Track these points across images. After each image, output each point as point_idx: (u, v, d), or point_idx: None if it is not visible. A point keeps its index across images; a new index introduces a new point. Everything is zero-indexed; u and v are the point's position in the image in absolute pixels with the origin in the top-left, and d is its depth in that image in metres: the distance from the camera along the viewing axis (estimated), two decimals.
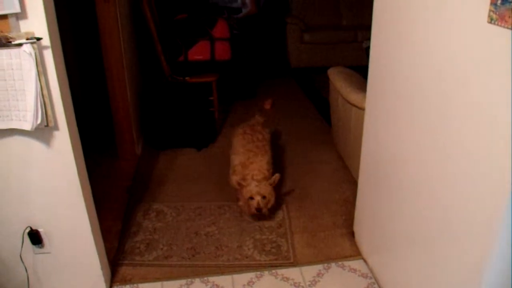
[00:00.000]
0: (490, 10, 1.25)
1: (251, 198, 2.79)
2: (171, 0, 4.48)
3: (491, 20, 1.26)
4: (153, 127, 4.01)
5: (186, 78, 3.98)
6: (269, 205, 2.85)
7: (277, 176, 2.86)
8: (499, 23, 1.22)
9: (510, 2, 1.17)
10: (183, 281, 2.45)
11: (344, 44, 6.21)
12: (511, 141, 1.25)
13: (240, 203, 2.97)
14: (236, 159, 3.10)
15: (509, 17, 1.18)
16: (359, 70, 3.40)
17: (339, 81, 3.27)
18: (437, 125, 1.67)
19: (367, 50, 2.33)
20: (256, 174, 2.90)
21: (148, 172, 3.59)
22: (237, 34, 4.52)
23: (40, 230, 2.15)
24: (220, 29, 4.12)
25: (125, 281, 2.46)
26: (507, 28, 1.19)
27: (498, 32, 1.24)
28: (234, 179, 2.93)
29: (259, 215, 2.85)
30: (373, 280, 2.42)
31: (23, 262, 2.18)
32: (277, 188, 2.98)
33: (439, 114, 1.65)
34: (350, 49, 6.13)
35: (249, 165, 2.98)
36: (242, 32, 5.05)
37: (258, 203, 2.76)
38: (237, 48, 4.38)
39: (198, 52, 4.09)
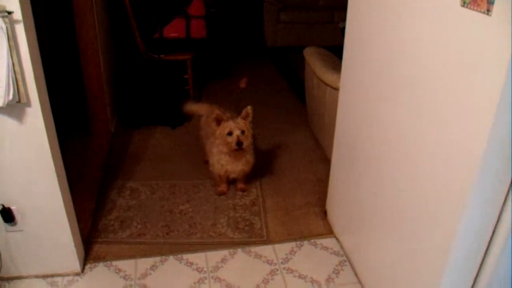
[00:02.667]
0: None
1: (230, 134, 2.77)
2: None
3: (464, 4, 1.28)
4: (127, 105, 3.97)
5: (161, 55, 3.95)
6: (247, 142, 2.81)
7: (249, 108, 2.82)
8: (472, 7, 1.25)
9: None
10: (157, 259, 2.47)
11: (321, 24, 6.20)
12: (484, 120, 1.29)
13: (211, 163, 2.96)
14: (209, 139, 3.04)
15: (482, 1, 1.20)
16: (335, 50, 3.40)
17: (314, 61, 3.28)
18: (409, 105, 1.71)
19: (343, 30, 2.34)
20: (233, 115, 2.87)
21: (122, 150, 3.57)
22: (213, 12, 4.47)
23: (12, 207, 2.13)
24: (196, 7, 4.08)
25: (99, 259, 2.47)
26: (479, 11, 1.22)
27: (471, 15, 1.27)
28: (216, 112, 2.83)
29: (240, 150, 2.80)
30: (344, 258, 2.48)
31: None
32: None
33: (411, 94, 1.69)
34: (326, 29, 6.13)
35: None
36: (218, 10, 5.00)
37: (237, 137, 2.74)
38: (213, 27, 4.35)
39: (174, 30, 4.05)
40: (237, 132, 2.75)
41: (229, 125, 2.76)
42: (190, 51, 4.10)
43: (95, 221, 2.73)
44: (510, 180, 1.40)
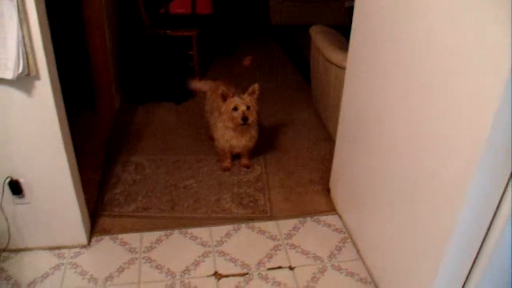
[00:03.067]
0: None
1: (235, 109, 2.79)
2: None
3: None
4: (132, 80, 3.98)
5: (167, 31, 3.93)
6: (253, 118, 2.84)
7: (256, 85, 2.85)
8: None
9: None
10: (162, 232, 2.51)
11: (326, 3, 6.15)
12: (487, 102, 1.31)
13: (215, 138, 2.99)
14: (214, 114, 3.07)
15: None
16: (340, 30, 3.41)
17: (320, 40, 3.28)
18: (416, 86, 1.72)
19: (349, 10, 2.34)
20: (238, 92, 2.89)
21: (127, 125, 3.59)
22: None
23: (20, 180, 2.16)
24: None
25: (104, 232, 2.51)
26: None
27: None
28: (221, 88, 2.86)
29: (245, 125, 2.83)
30: (346, 235, 2.51)
31: (3, 212, 2.20)
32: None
33: (419, 76, 1.70)
34: (332, 9, 6.08)
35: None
36: None
37: (243, 112, 2.77)
38: (218, 3, 4.33)
39: (179, 5, 4.04)
40: (242, 108, 2.77)
41: (234, 100, 2.78)
42: (196, 27, 4.09)
43: (101, 195, 2.76)
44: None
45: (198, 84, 3.36)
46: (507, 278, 1.71)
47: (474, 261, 1.66)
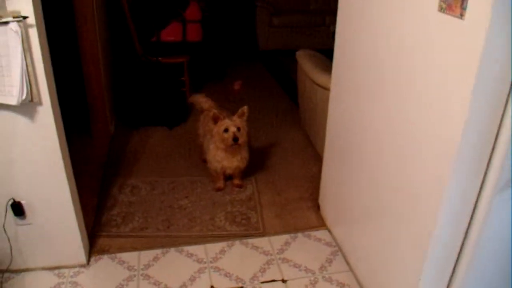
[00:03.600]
0: (440, 1, 1.43)
1: (226, 130, 2.91)
2: None
3: (441, 9, 1.44)
4: (126, 106, 4.10)
5: (159, 58, 4.08)
6: (243, 138, 2.96)
7: (245, 107, 2.98)
8: (447, 12, 1.40)
9: None
10: (159, 251, 2.59)
11: (312, 28, 6.36)
12: (458, 119, 1.44)
13: (208, 159, 3.12)
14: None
15: (456, 6, 1.36)
16: (326, 53, 3.56)
17: (306, 63, 3.43)
18: (394, 103, 1.86)
19: (333, 34, 2.49)
20: (229, 115, 3.02)
21: (122, 149, 3.69)
22: (207, 16, 4.62)
23: (22, 202, 2.25)
24: (192, 11, 4.23)
25: (103, 251, 2.59)
26: (454, 15, 1.37)
27: (447, 19, 1.42)
28: (213, 111, 3.00)
29: (236, 145, 2.94)
30: (336, 248, 2.62)
31: (6, 233, 2.28)
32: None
33: (396, 93, 1.84)
34: (318, 33, 6.28)
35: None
36: (212, 14, 5.15)
37: (234, 133, 2.90)
38: (208, 30, 4.50)
39: (171, 33, 4.20)
40: (233, 129, 2.89)
41: (225, 122, 2.91)
42: (186, 54, 4.24)
43: (98, 216, 2.85)
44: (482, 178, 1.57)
45: (200, 99, 3.46)
46: (488, 276, 1.83)
47: (455, 264, 1.78)
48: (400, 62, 1.78)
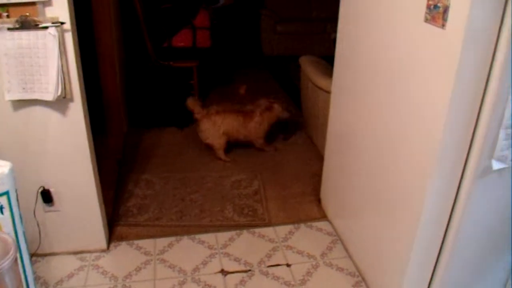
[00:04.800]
0: (425, 13, 1.67)
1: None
2: None
3: (426, 20, 1.67)
4: (139, 108, 4.34)
5: (170, 62, 4.33)
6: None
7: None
8: (432, 22, 1.64)
9: (439, 7, 1.58)
10: (173, 238, 2.82)
11: (314, 35, 6.58)
12: (440, 119, 1.68)
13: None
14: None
15: (438, 18, 1.59)
16: (327, 59, 3.79)
17: (309, 68, 3.67)
18: (385, 106, 2.10)
19: (334, 41, 2.73)
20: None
21: (135, 147, 3.93)
22: (216, 24, 4.87)
23: (51, 189, 2.48)
24: (202, 19, 4.49)
25: (121, 239, 2.82)
26: (437, 26, 1.61)
27: (431, 29, 1.66)
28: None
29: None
30: (336, 238, 2.84)
31: (36, 219, 2.50)
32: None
33: (388, 95, 2.07)
34: (319, 40, 6.49)
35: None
36: (220, 22, 5.40)
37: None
38: (216, 37, 4.75)
39: (181, 39, 4.45)
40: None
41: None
42: (196, 59, 4.49)
43: (116, 208, 3.08)
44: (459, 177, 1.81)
45: (196, 105, 3.73)
46: (471, 258, 2.05)
47: (440, 248, 2.01)
48: (391, 67, 2.02)
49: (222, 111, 3.68)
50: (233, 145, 3.83)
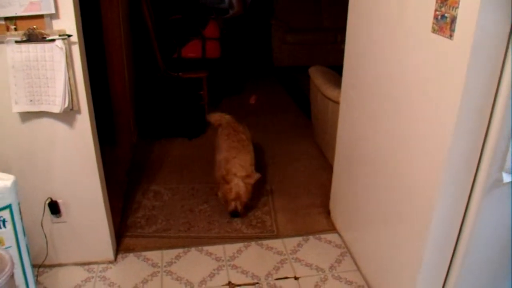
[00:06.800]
0: (433, 23, 1.65)
1: (228, 200, 3.08)
2: (166, 1, 4.82)
3: (434, 30, 1.65)
4: (148, 118, 4.36)
5: (180, 73, 4.34)
6: (242, 205, 3.10)
7: (258, 175, 3.14)
8: (439, 33, 1.62)
9: (446, 18, 1.56)
10: (180, 250, 2.80)
11: (324, 45, 6.58)
12: (449, 130, 1.65)
13: (219, 194, 3.21)
14: (221, 155, 3.34)
15: (446, 28, 1.57)
16: (337, 70, 3.78)
17: (318, 79, 3.66)
18: (393, 117, 2.08)
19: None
20: (239, 170, 3.12)
21: (144, 158, 3.94)
22: (225, 34, 4.89)
23: (59, 201, 2.48)
24: (211, 29, 4.50)
25: (129, 250, 2.80)
26: (444, 36, 1.59)
27: (439, 39, 1.63)
28: (218, 174, 3.20)
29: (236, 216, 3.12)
30: (345, 250, 2.81)
31: (43, 230, 2.51)
32: (257, 183, 3.28)
33: (396, 106, 2.05)
34: (330, 50, 6.48)
35: (231, 159, 3.18)
36: (229, 32, 5.42)
37: (235, 207, 3.07)
38: (226, 47, 4.76)
39: (191, 50, 4.47)
40: (235, 204, 3.07)
41: (231, 188, 3.05)
42: (206, 70, 4.49)
43: (124, 219, 3.08)
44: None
45: (216, 117, 3.72)
46: (482, 272, 2.01)
47: (450, 262, 1.97)
48: (399, 78, 1.99)
49: None
50: None
